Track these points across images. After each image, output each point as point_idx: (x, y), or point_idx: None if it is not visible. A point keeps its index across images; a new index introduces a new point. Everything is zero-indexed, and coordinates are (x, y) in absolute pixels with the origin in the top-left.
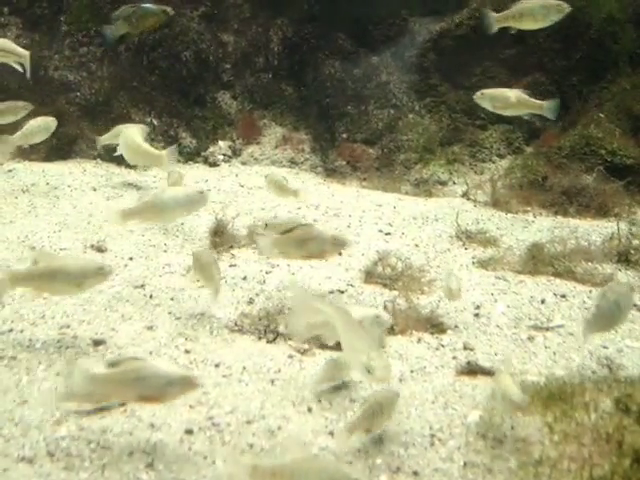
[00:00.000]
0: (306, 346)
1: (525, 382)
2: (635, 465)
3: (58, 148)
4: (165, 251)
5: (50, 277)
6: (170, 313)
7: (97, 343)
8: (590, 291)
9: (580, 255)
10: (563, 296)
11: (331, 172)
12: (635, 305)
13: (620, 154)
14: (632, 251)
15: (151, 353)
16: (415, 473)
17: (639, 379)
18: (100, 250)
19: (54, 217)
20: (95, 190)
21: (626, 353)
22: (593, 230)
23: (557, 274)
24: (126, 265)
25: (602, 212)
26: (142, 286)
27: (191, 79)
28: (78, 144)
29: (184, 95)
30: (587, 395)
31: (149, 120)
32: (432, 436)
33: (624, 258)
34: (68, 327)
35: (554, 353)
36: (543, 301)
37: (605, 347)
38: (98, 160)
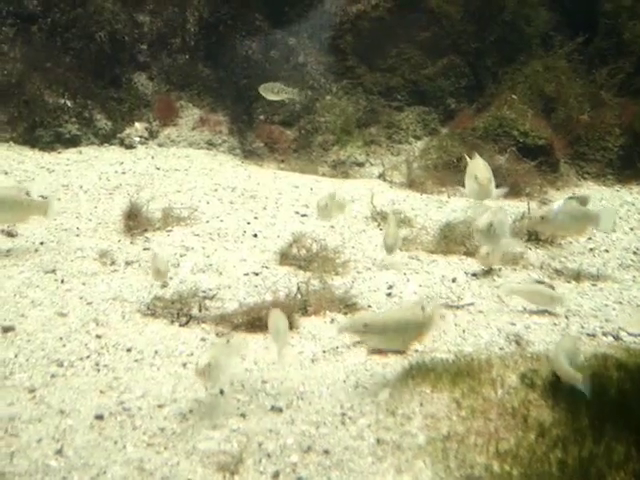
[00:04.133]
0: (225, 330)
1: (434, 359)
2: (540, 439)
3: None
4: (77, 235)
5: None
6: (82, 298)
7: (6, 329)
8: (499, 269)
9: None
10: (474, 275)
11: (249, 154)
12: (543, 282)
13: (532, 135)
14: None
15: (62, 339)
16: (326, 452)
17: (545, 354)
18: (10, 235)
19: None
20: (7, 174)
21: (533, 329)
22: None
23: (469, 253)
24: (37, 250)
25: (514, 192)
26: (53, 271)
27: (106, 60)
28: None
29: (99, 76)
30: (494, 371)
31: (63, 102)
32: (343, 415)
33: (534, 237)
34: None
35: (463, 331)
36: (454, 280)
37: (513, 324)
38: (11, 143)
